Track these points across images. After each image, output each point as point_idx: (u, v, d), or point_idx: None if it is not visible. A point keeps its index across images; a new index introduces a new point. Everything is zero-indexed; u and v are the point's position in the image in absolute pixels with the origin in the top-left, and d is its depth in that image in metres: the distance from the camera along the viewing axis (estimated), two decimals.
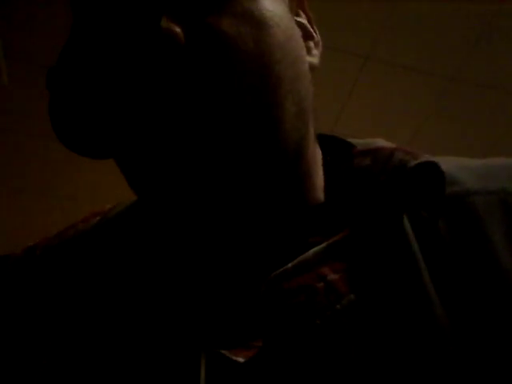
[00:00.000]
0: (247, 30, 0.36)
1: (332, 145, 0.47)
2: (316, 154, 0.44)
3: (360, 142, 0.45)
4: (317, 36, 0.46)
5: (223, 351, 0.35)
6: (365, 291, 0.35)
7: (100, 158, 0.40)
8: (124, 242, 0.44)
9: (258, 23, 0.37)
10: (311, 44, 0.45)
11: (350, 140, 0.46)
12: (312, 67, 0.43)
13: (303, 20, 0.45)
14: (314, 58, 0.45)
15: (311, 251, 0.37)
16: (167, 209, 0.40)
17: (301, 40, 0.42)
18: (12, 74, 1.94)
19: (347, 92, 2.07)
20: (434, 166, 0.38)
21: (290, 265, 0.36)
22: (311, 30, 0.46)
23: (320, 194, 0.43)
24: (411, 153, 0.40)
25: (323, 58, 0.47)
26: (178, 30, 0.35)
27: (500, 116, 2.17)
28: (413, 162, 0.38)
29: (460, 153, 0.45)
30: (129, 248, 0.44)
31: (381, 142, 0.45)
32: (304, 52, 0.42)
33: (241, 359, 0.34)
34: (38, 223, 2.55)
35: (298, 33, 0.42)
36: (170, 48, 0.35)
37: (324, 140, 0.47)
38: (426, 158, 0.39)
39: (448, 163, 0.41)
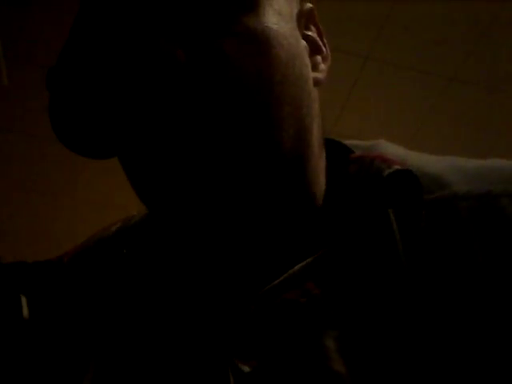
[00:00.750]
0: (248, 50, 0.36)
1: (336, 150, 0.46)
2: (320, 163, 0.44)
3: (361, 146, 0.45)
4: (326, 50, 0.45)
5: (235, 360, 0.36)
6: (347, 303, 0.36)
7: (99, 158, 0.40)
8: (138, 252, 0.45)
9: (260, 43, 0.37)
10: (319, 59, 0.45)
11: (350, 143, 0.46)
12: (317, 82, 0.43)
13: (313, 34, 0.45)
14: (320, 74, 0.44)
15: (298, 266, 0.38)
16: (168, 218, 0.40)
17: (306, 57, 0.42)
18: (12, 74, 1.94)
19: (347, 92, 2.07)
20: (409, 174, 0.38)
21: (276, 281, 0.37)
22: (320, 43, 0.45)
23: (319, 202, 0.43)
24: (388, 160, 0.40)
25: None
26: (177, 49, 0.35)
27: (499, 116, 2.17)
28: (387, 171, 0.39)
29: (459, 153, 0.45)
30: (142, 259, 0.44)
31: (381, 145, 0.45)
32: (308, 69, 0.42)
33: (247, 368, 0.36)
34: (37, 223, 2.56)
35: (303, 50, 0.42)
36: (170, 66, 0.35)
37: (330, 144, 0.47)
38: (400, 165, 0.39)
39: (443, 163, 0.42)
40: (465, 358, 0.34)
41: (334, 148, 0.46)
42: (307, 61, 0.42)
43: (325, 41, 0.46)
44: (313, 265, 0.38)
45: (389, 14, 1.81)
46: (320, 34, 0.46)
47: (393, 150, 0.43)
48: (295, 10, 0.42)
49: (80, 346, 0.41)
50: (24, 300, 0.43)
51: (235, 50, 0.36)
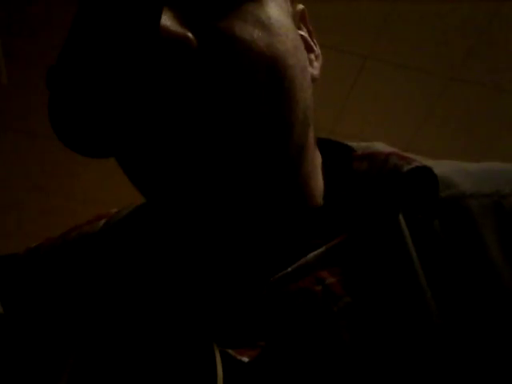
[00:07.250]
0: (260, 35, 0.37)
1: (333, 148, 0.47)
2: (315, 159, 0.45)
3: (361, 146, 0.46)
4: (317, 49, 0.47)
5: (229, 350, 0.35)
6: (361, 293, 0.36)
7: (100, 157, 0.40)
8: (130, 244, 0.45)
9: (269, 30, 0.37)
10: (312, 56, 0.46)
11: (350, 144, 0.47)
12: (313, 79, 0.44)
13: (305, 33, 0.46)
14: (315, 70, 0.46)
15: (311, 255, 0.38)
16: (172, 209, 0.40)
17: (305, 51, 0.43)
18: (12, 74, 1.94)
19: (347, 92, 2.07)
20: (427, 171, 0.39)
21: (289, 268, 0.37)
22: (312, 43, 0.47)
23: (319, 197, 0.43)
24: (405, 158, 0.41)
25: (323, 57, 0.48)
26: (190, 34, 0.35)
27: (499, 116, 2.17)
28: (406, 167, 0.39)
29: (459, 152, 0.45)
30: (135, 251, 0.44)
31: (380, 146, 0.45)
32: (308, 63, 0.43)
33: (245, 359, 0.35)
34: (36, 223, 2.55)
35: (302, 44, 0.43)
36: (182, 52, 0.34)
37: (325, 144, 0.48)
38: (419, 162, 0.39)
39: (445, 166, 0.42)
40: (475, 352, 0.34)
41: (328, 146, 0.47)
42: (306, 55, 0.44)
43: (315, 41, 0.48)
44: (327, 253, 0.38)
45: (389, 14, 1.81)
46: (311, 35, 0.47)
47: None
48: (290, 9, 0.44)
49: (59, 341, 0.40)
50: None
51: (247, 35, 0.36)
